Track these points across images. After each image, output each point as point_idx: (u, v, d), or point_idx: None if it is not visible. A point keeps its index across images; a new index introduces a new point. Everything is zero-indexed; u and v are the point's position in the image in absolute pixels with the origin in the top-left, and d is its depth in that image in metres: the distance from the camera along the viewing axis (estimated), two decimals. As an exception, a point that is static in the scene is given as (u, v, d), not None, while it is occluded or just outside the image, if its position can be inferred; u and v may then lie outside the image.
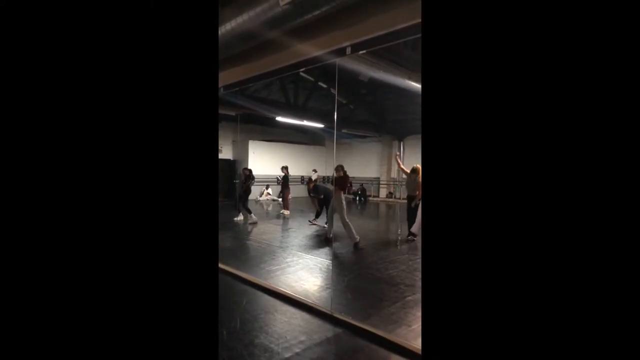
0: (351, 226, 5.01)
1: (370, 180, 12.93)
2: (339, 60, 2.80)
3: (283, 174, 8.14)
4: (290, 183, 8.43)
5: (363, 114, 11.75)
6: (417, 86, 6.47)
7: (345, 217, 5.05)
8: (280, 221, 7.68)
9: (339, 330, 2.42)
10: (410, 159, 13.60)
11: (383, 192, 14.19)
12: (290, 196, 8.48)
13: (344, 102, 10.46)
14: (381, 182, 14.13)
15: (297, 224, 7.20)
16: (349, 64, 4.26)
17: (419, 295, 3.17)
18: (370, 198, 12.26)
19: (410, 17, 2.12)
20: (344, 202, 5.16)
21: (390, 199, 13.85)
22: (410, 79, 5.98)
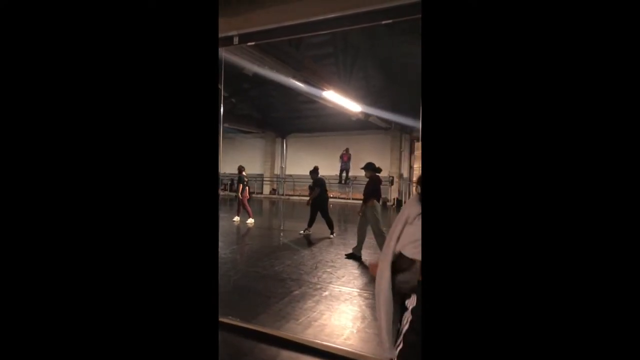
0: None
1: (254, 177, 12.73)
2: (224, 51, 2.64)
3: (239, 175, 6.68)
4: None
5: (246, 109, 11.51)
6: (301, 86, 6.67)
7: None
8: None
9: (224, 334, 2.30)
10: (294, 157, 13.99)
11: (267, 189, 14.20)
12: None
13: (226, 95, 10.06)
14: (265, 179, 14.11)
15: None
16: (234, 56, 4.09)
17: (304, 289, 3.28)
18: (254, 195, 12.09)
19: (298, 15, 2.14)
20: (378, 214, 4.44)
21: (274, 196, 13.98)
22: (294, 77, 6.12)
